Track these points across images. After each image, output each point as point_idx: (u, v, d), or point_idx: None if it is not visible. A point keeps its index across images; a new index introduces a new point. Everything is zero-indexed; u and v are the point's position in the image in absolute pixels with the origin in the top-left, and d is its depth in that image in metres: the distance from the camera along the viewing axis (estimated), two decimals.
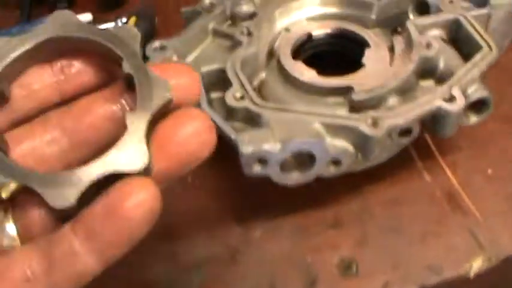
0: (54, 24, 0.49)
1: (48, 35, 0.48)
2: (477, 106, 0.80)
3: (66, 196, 0.42)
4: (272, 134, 0.73)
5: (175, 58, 0.84)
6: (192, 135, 0.45)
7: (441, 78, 0.82)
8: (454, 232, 0.82)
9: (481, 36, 0.83)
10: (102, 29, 0.49)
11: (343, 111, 0.79)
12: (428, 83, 0.83)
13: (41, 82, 0.49)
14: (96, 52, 0.50)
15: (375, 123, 0.74)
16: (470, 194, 0.85)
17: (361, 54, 0.86)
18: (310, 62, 0.88)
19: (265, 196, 0.83)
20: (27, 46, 0.48)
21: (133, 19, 1.00)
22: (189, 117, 0.45)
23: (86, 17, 1.08)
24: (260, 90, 0.85)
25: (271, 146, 0.72)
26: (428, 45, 0.82)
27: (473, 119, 0.82)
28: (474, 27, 0.84)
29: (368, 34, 0.88)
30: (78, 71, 0.50)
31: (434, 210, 0.84)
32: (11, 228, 0.45)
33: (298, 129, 0.74)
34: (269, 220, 0.83)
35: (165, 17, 1.06)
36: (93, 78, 0.50)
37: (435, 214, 0.84)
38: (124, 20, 1.03)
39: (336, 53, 0.91)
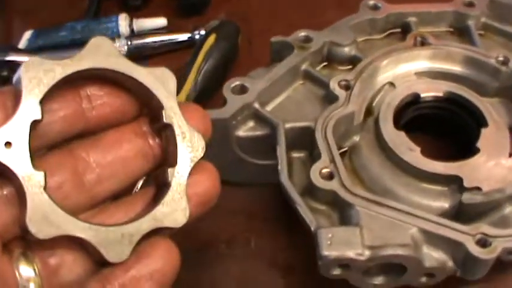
0: (92, 52, 0.48)
1: (89, 65, 0.47)
2: None
3: (122, 251, 0.46)
4: (361, 236, 0.60)
5: (256, 105, 0.71)
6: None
7: None
8: None
9: None
10: (137, 65, 0.50)
11: (445, 204, 0.67)
12: None
13: (67, 109, 0.48)
14: (128, 87, 0.50)
15: (485, 242, 0.61)
16: None
17: (474, 130, 0.72)
18: (412, 125, 0.75)
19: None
20: (67, 71, 0.46)
21: (213, 37, 0.85)
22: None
23: (160, 22, 0.94)
24: (351, 156, 0.72)
25: (358, 253, 0.60)
26: None
27: None
28: None
29: (486, 107, 0.74)
30: (105, 102, 0.49)
31: None
32: (25, 270, 0.45)
33: (393, 233, 0.61)
34: None
35: (250, 36, 0.90)
36: (119, 110, 0.50)
37: None
38: (202, 32, 0.89)
39: (445, 120, 0.77)
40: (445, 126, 0.78)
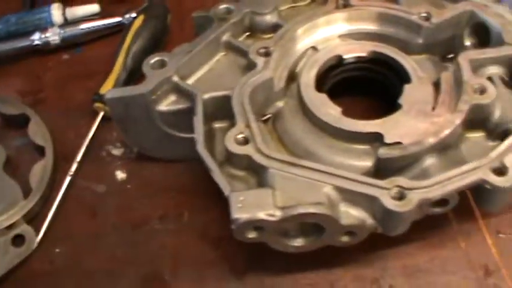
0: None
1: None
2: None
3: None
4: (274, 197, 0.60)
5: (176, 78, 0.71)
6: None
7: (494, 132, 0.67)
8: None
9: None
10: None
11: (369, 163, 0.66)
12: (477, 135, 0.69)
13: None
14: None
15: (401, 196, 0.60)
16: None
17: (398, 87, 0.71)
18: (337, 88, 0.75)
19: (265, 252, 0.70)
20: None
21: (140, 18, 0.85)
22: None
23: (93, 8, 0.94)
24: (274, 122, 0.72)
25: (270, 214, 0.59)
26: (482, 91, 0.66)
27: None
28: None
29: (410, 63, 0.72)
30: None
31: (465, 285, 0.70)
32: None
33: (307, 193, 0.60)
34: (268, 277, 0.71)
35: (181, 15, 0.90)
36: None
37: None
38: (133, 15, 0.89)
39: (370, 80, 0.76)
40: (370, 85, 0.77)
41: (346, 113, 0.69)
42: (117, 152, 0.81)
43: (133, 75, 0.83)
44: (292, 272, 0.70)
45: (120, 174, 0.79)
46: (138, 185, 0.79)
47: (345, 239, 0.64)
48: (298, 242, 0.64)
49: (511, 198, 0.64)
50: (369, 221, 0.62)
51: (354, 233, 0.63)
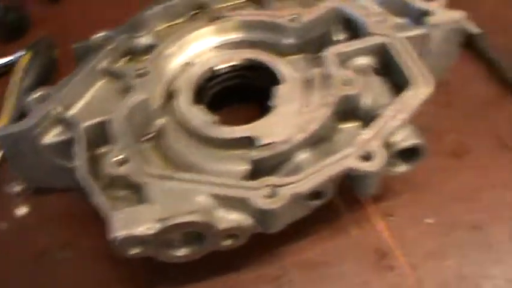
0: None
1: None
2: (407, 153, 0.68)
3: None
4: (152, 211, 0.62)
5: (58, 110, 0.72)
6: None
7: (366, 120, 0.69)
8: None
9: (415, 66, 0.69)
10: None
11: (246, 166, 0.68)
12: (351, 125, 0.71)
13: None
14: None
15: (273, 193, 0.62)
16: (404, 251, 0.73)
17: (271, 89, 0.74)
18: (217, 98, 0.77)
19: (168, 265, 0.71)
20: None
21: (27, 55, 0.87)
22: None
23: None
24: (158, 139, 0.74)
25: (148, 228, 0.61)
26: (349, 82, 0.69)
27: (403, 167, 0.70)
28: (407, 54, 0.71)
29: (281, 65, 0.75)
30: None
31: (360, 272, 0.72)
32: None
33: (183, 203, 0.62)
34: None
35: (68, 49, 0.91)
36: None
37: (363, 276, 0.72)
38: (23, 53, 0.90)
39: (248, 87, 0.79)
40: (249, 92, 0.79)
41: (228, 121, 0.72)
42: (17, 188, 0.83)
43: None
44: (200, 279, 0.72)
45: (22, 210, 0.81)
46: (38, 218, 0.80)
47: (228, 242, 0.65)
48: (183, 252, 0.65)
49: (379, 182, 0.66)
50: (247, 222, 0.64)
51: (236, 236, 0.65)
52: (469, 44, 0.89)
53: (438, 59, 0.78)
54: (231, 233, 0.64)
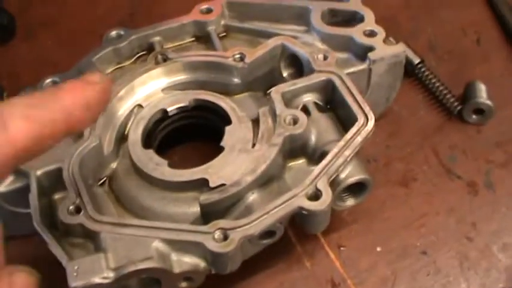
0: None
1: None
2: (354, 187, 0.70)
3: None
4: (106, 260, 0.63)
5: None
6: None
7: (313, 156, 0.72)
8: None
9: (357, 102, 0.72)
10: None
11: (197, 208, 0.69)
12: (299, 162, 0.73)
13: None
14: None
15: (224, 237, 0.63)
16: (356, 280, 0.76)
17: (222, 130, 0.75)
18: (169, 139, 0.78)
19: None
20: None
21: None
22: None
23: None
24: (110, 183, 0.75)
25: (104, 277, 0.62)
26: (295, 121, 0.71)
27: (351, 202, 0.73)
28: (350, 90, 0.73)
29: (229, 105, 0.77)
30: None
31: None
32: None
33: (137, 250, 0.63)
34: None
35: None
36: None
37: None
38: None
39: (199, 127, 0.80)
40: (200, 132, 0.81)
41: (181, 162, 0.73)
42: None
43: None
44: None
45: None
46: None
47: (184, 284, 0.67)
48: None
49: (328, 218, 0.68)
50: (202, 264, 0.65)
51: (191, 278, 0.66)
52: (412, 73, 0.92)
53: (382, 90, 0.81)
54: (187, 275, 0.66)
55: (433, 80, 0.91)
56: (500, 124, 0.89)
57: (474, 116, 0.88)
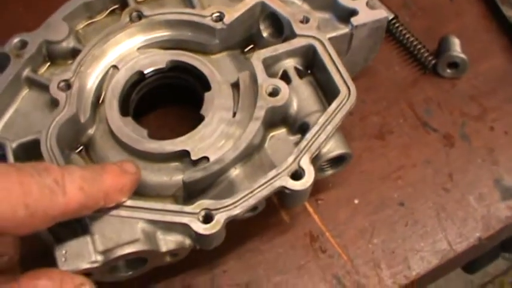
0: None
1: None
2: (334, 159, 0.71)
3: None
4: (93, 242, 0.63)
5: None
6: None
7: (294, 126, 0.72)
8: (318, 278, 0.77)
9: (339, 73, 0.71)
10: None
11: (180, 177, 0.69)
12: (279, 131, 0.73)
13: None
14: None
15: (209, 218, 0.64)
16: (334, 232, 0.79)
17: (201, 91, 0.74)
18: (147, 101, 0.77)
19: None
20: None
21: None
22: None
23: None
24: (88, 150, 0.74)
25: (92, 261, 0.63)
26: (276, 93, 0.70)
27: (329, 172, 0.74)
28: (331, 58, 0.72)
29: (209, 68, 0.75)
30: None
31: (294, 257, 0.78)
32: None
33: (123, 232, 0.64)
34: None
35: None
36: None
37: (296, 260, 0.78)
38: None
39: (178, 88, 0.79)
40: (180, 93, 0.79)
41: (160, 128, 0.72)
42: None
43: None
44: None
45: None
46: None
47: (169, 259, 0.68)
48: (127, 273, 0.68)
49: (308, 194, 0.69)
50: (187, 241, 0.66)
51: (176, 253, 0.68)
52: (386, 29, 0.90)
53: (362, 52, 0.80)
54: (173, 253, 0.67)
55: (407, 36, 0.91)
56: (475, 78, 0.90)
57: (448, 70, 0.89)
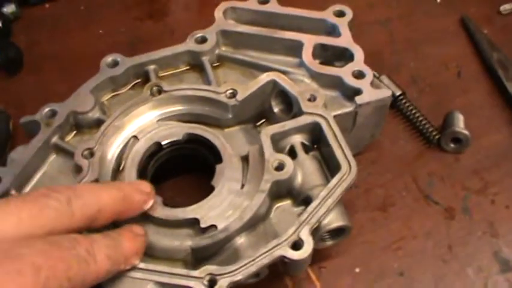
0: None
1: None
2: (334, 231, 0.76)
3: None
4: None
5: (13, 192, 0.77)
6: None
7: (298, 198, 0.77)
8: None
9: (341, 149, 0.76)
10: None
11: (189, 242, 0.74)
12: (284, 203, 0.78)
13: None
14: None
15: (213, 282, 0.69)
16: None
17: (214, 162, 0.80)
18: (163, 170, 0.83)
19: None
20: None
21: None
22: None
23: None
24: None
25: None
26: (282, 167, 0.75)
27: (330, 242, 0.78)
28: (334, 135, 0.77)
29: (221, 142, 0.81)
30: None
31: None
32: None
33: None
34: None
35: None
36: None
37: None
38: None
39: (192, 159, 0.85)
40: (193, 166, 0.85)
41: (174, 195, 0.77)
42: None
43: None
44: None
45: None
46: None
47: None
48: None
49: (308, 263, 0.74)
50: None
51: None
52: (393, 104, 0.96)
53: (367, 128, 0.85)
54: None
55: (413, 111, 0.96)
56: (477, 153, 0.95)
57: (452, 145, 0.93)
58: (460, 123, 0.93)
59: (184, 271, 0.70)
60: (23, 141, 0.83)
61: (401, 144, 0.96)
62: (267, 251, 0.70)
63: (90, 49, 1.11)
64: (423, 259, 0.85)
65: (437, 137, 0.93)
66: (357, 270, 0.84)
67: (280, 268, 0.76)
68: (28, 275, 0.55)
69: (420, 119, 0.95)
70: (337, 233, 0.77)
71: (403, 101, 0.97)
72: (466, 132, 0.92)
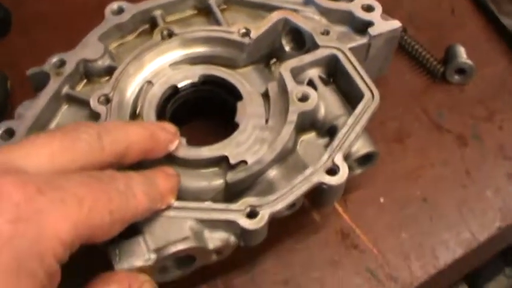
0: None
1: None
2: (362, 158, 0.76)
3: None
4: (145, 242, 0.66)
5: None
6: None
7: (322, 129, 0.77)
8: (352, 273, 0.81)
9: (362, 78, 0.76)
10: None
11: (220, 181, 0.73)
12: (309, 135, 0.78)
13: None
14: None
15: (254, 214, 0.68)
16: (364, 229, 0.84)
17: (233, 102, 0.79)
18: (179, 114, 0.81)
19: None
20: None
21: None
22: None
23: None
24: None
25: (145, 259, 0.66)
26: (306, 98, 0.75)
27: (358, 170, 0.78)
28: (353, 65, 0.77)
29: (239, 80, 0.80)
30: None
31: (328, 253, 0.82)
32: None
33: (173, 231, 0.67)
34: None
35: (20, 76, 0.87)
36: None
37: (329, 257, 0.82)
38: None
39: (210, 101, 0.83)
40: (210, 108, 0.84)
41: (193, 138, 0.75)
42: None
43: None
44: None
45: None
46: None
47: (215, 257, 0.71)
48: (175, 274, 0.71)
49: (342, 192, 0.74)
50: (232, 238, 0.70)
51: (221, 251, 0.71)
52: None
53: (377, 61, 0.86)
54: (219, 250, 0.70)
55: (416, 46, 0.98)
56: (480, 83, 0.98)
57: (456, 77, 0.96)
58: (462, 55, 0.95)
59: (223, 205, 0.69)
60: (21, 101, 0.80)
61: (407, 79, 0.98)
62: (303, 179, 0.70)
63: (80, 7, 1.07)
64: (443, 185, 0.88)
65: (441, 69, 0.95)
66: (382, 200, 0.86)
67: (310, 202, 0.76)
68: (72, 204, 0.54)
69: (423, 53, 0.96)
70: (365, 160, 0.77)
71: (405, 37, 0.98)
72: (470, 62, 0.94)
